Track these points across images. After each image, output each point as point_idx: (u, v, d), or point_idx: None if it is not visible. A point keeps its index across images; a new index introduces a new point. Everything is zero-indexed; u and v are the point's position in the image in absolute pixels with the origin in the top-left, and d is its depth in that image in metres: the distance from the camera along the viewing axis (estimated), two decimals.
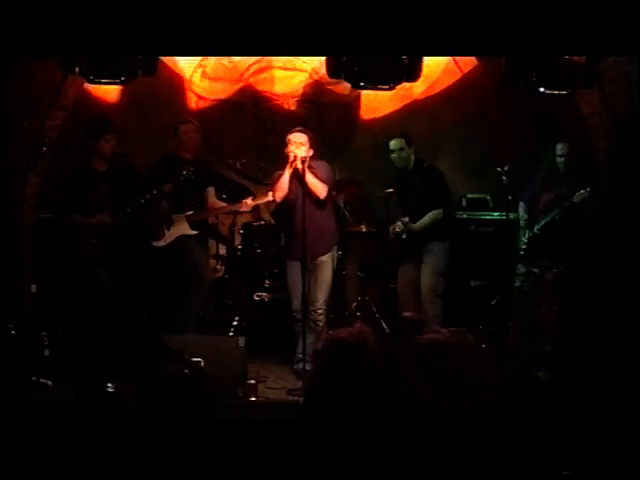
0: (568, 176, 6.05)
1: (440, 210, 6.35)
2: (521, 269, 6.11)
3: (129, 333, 4.11)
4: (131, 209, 5.82)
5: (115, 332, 4.35)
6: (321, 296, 5.98)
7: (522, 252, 6.03)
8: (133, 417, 3.41)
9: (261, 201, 6.45)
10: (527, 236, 6.05)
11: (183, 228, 6.20)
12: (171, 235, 6.19)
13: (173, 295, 6.25)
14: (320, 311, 5.97)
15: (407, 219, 6.31)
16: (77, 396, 4.73)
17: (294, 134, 5.90)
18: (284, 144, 5.90)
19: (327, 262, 6.06)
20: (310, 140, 5.88)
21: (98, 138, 5.82)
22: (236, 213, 6.71)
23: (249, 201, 6.34)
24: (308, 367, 5.94)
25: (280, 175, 5.94)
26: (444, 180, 6.45)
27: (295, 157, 5.80)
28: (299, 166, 5.80)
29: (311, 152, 5.88)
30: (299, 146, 5.83)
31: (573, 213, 5.87)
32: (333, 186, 6.13)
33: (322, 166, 5.95)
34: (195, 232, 6.23)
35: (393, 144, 6.40)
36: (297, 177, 5.86)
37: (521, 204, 6.28)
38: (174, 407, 2.80)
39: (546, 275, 5.97)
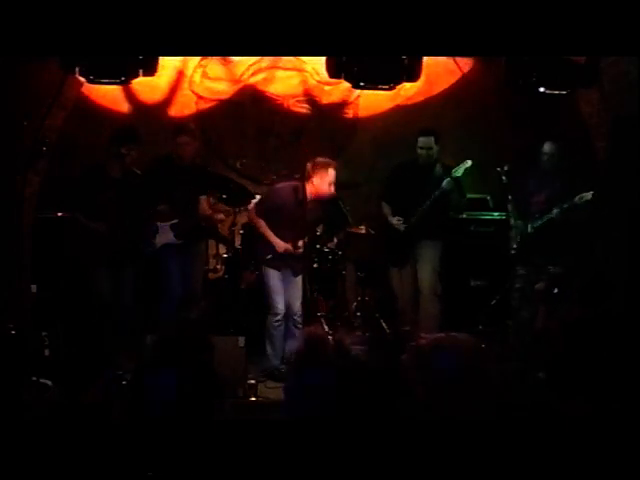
0: (555, 177, 6.01)
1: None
2: (520, 270, 6.06)
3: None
4: (129, 221, 5.84)
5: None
6: (300, 300, 6.08)
7: (514, 252, 5.98)
8: (127, 418, 3.41)
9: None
10: (520, 236, 5.99)
11: (167, 237, 6.07)
12: (158, 242, 6.07)
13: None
14: (300, 314, 6.04)
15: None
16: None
17: (331, 170, 5.83)
18: (313, 169, 5.81)
19: None
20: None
21: (120, 146, 5.79)
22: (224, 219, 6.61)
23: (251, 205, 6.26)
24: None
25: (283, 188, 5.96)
26: (461, 185, 6.42)
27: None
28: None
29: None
30: (331, 184, 5.84)
31: (572, 214, 5.85)
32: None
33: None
34: (179, 241, 6.08)
35: (423, 142, 6.27)
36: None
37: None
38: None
39: (537, 286, 5.96)
